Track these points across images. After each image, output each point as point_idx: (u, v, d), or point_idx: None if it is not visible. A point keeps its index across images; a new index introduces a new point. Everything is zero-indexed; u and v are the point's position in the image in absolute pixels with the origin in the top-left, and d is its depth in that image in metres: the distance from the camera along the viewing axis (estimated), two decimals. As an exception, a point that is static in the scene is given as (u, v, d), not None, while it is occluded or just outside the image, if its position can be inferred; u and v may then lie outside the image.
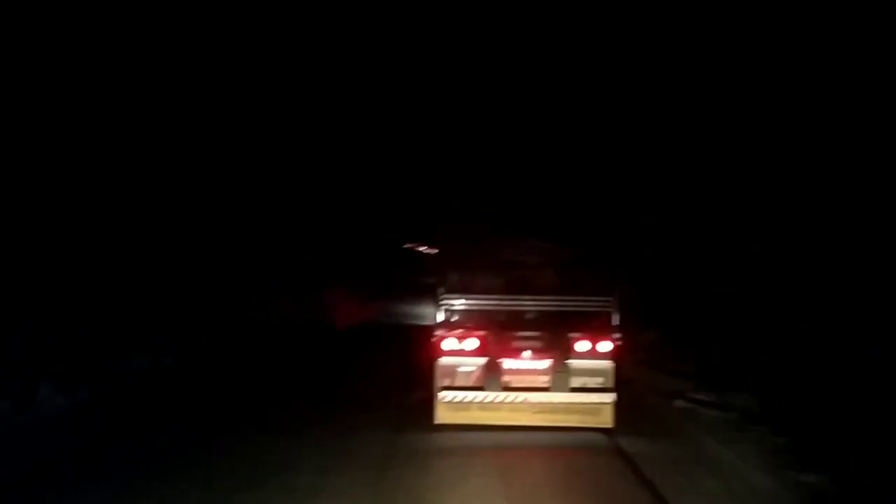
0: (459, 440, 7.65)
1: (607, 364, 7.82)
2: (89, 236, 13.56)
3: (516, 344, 7.90)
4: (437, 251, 8.91)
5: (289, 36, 17.85)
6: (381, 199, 31.21)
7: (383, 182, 29.53)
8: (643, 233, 12.37)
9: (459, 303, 7.99)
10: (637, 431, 7.97)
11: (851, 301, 10.89)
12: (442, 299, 7.97)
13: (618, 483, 6.49)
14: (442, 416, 7.84)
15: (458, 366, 7.87)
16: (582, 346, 7.82)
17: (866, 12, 11.53)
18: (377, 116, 23.18)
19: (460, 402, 7.79)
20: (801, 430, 7.75)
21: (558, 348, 7.84)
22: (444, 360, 7.87)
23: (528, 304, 7.98)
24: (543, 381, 7.85)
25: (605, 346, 7.81)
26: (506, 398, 7.81)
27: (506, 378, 7.86)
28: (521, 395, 7.81)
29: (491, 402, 7.79)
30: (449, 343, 7.86)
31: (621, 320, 7.83)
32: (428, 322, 8.37)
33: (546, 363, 7.84)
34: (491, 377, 7.83)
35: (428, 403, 7.95)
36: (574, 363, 7.81)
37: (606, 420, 7.79)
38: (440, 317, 7.96)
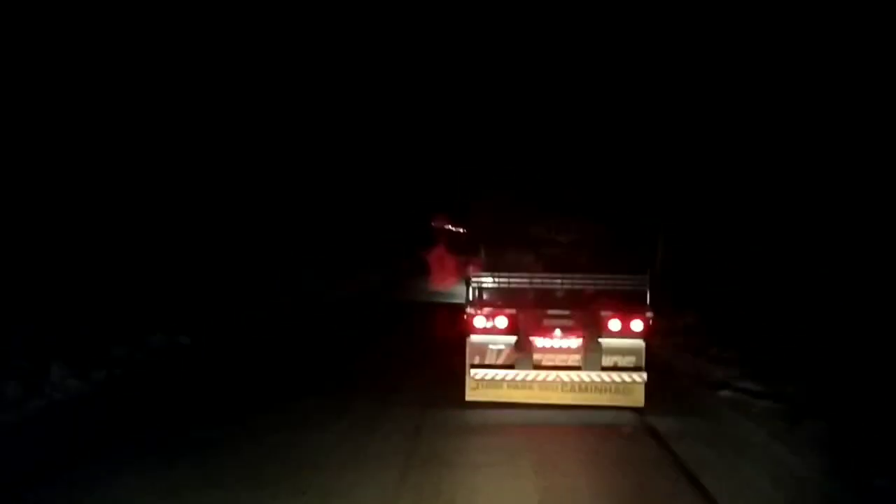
0: (490, 417, 7.67)
1: (639, 343, 7.76)
2: (115, 220, 13.71)
3: (547, 322, 7.86)
4: (467, 229, 8.88)
5: (321, 20, 17.98)
6: (409, 178, 31.30)
7: (412, 160, 29.61)
8: (678, 214, 12.27)
9: (490, 281, 7.97)
10: (688, 432, 7.28)
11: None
12: (472, 277, 7.96)
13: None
14: (473, 393, 7.87)
15: (489, 344, 7.86)
16: (614, 324, 7.75)
17: (866, 12, 11.35)
18: (409, 95, 23.18)
19: (491, 379, 7.81)
20: (862, 425, 7.09)
21: (590, 327, 7.79)
22: (474, 338, 7.88)
23: (560, 283, 7.92)
24: (574, 359, 7.81)
25: (638, 324, 7.74)
26: (536, 376, 7.80)
27: (536, 356, 7.84)
28: (552, 374, 7.79)
29: (522, 381, 7.80)
30: (480, 321, 7.86)
31: (655, 300, 7.74)
32: (458, 300, 8.37)
33: (577, 342, 7.80)
34: (522, 355, 7.82)
35: (459, 380, 7.98)
36: (606, 342, 7.76)
37: (638, 399, 7.75)
38: (471, 294, 7.95)
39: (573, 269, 7.87)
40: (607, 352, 7.76)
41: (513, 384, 7.82)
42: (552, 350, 7.85)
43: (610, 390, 7.76)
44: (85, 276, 12.57)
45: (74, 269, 12.58)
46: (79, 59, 13.06)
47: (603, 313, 7.77)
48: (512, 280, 7.97)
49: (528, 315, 7.86)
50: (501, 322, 7.86)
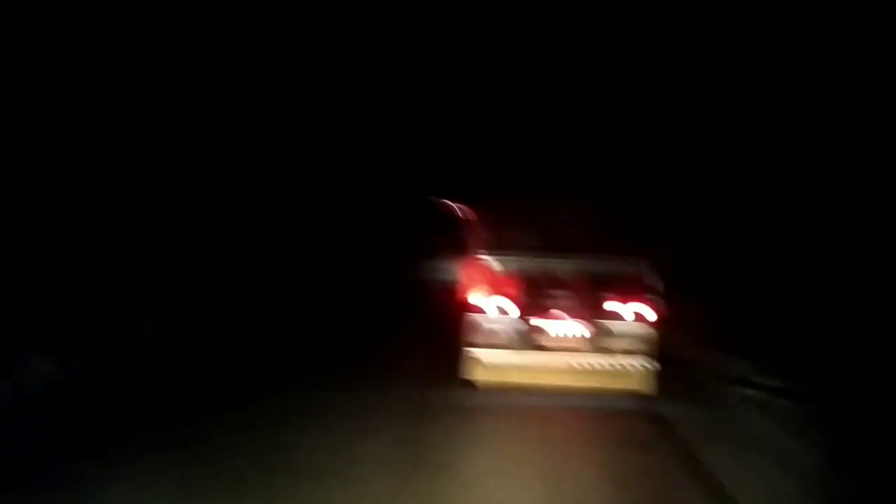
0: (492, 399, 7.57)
1: (645, 327, 7.61)
2: (104, 199, 13.22)
3: (550, 304, 7.70)
4: (471, 207, 8.69)
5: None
6: (413, 154, 31.04)
7: (416, 136, 29.35)
8: (690, 200, 12.05)
9: (493, 260, 7.79)
10: (710, 434, 6.81)
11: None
12: (477, 256, 7.78)
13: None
14: (472, 373, 7.72)
15: (491, 324, 7.70)
16: (619, 308, 7.60)
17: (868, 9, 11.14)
18: (415, 75, 22.91)
19: (492, 360, 7.65)
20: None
21: (594, 309, 7.63)
22: (475, 318, 7.71)
23: (565, 264, 7.75)
24: (578, 342, 7.66)
25: (644, 309, 7.59)
26: (539, 358, 7.65)
27: (539, 337, 7.69)
28: (555, 356, 7.64)
29: (524, 363, 7.65)
30: (481, 301, 7.69)
31: (665, 285, 7.58)
32: (462, 279, 8.21)
33: (581, 324, 7.65)
34: (524, 336, 7.66)
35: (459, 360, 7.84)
36: (610, 325, 7.62)
37: (642, 384, 7.61)
38: (473, 274, 7.78)
39: (579, 251, 7.70)
40: (611, 335, 7.61)
41: (514, 366, 7.68)
42: (555, 331, 7.70)
43: (614, 374, 7.62)
44: (71, 257, 11.60)
45: (59, 251, 11.59)
46: (63, 40, 12.72)
47: (609, 296, 7.61)
48: (516, 260, 7.79)
49: (531, 296, 7.69)
50: (503, 302, 7.70)
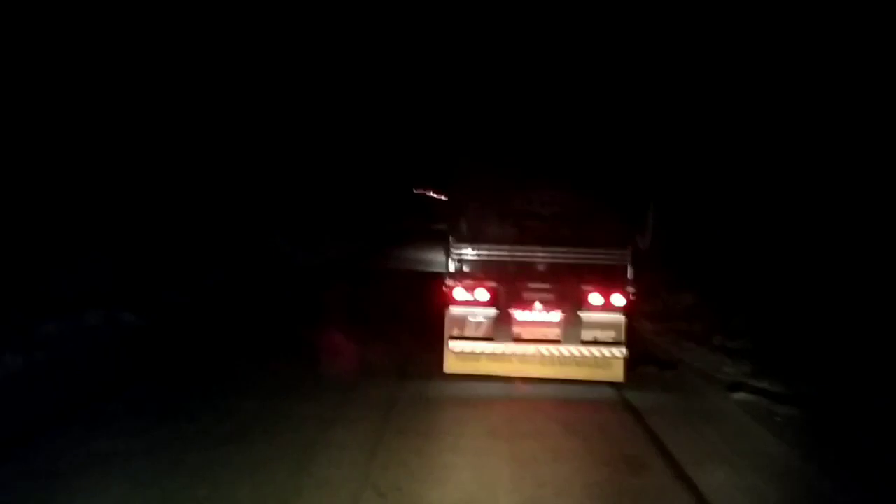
0: (469, 390, 7.65)
1: (620, 317, 7.74)
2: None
3: (528, 295, 7.80)
4: (448, 198, 8.70)
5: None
6: (391, 143, 30.95)
7: (394, 124, 29.23)
8: (672, 190, 11.80)
9: (471, 252, 7.86)
10: (708, 454, 6.06)
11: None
12: (453, 248, 7.84)
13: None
14: (451, 365, 7.81)
15: (469, 316, 7.80)
16: (594, 298, 7.72)
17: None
18: (389, 59, 22.78)
19: (470, 352, 7.76)
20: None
21: (570, 301, 7.75)
22: (454, 310, 7.81)
23: (541, 256, 7.84)
24: (554, 333, 7.79)
25: (618, 299, 7.71)
26: (516, 349, 7.77)
27: (516, 329, 7.80)
28: (532, 347, 7.76)
29: (501, 354, 7.76)
30: (459, 293, 7.78)
31: (638, 274, 7.68)
32: (439, 270, 8.24)
33: (557, 315, 7.77)
34: (501, 328, 7.77)
35: (438, 352, 7.92)
36: (586, 316, 7.74)
37: (617, 374, 7.76)
38: (451, 266, 7.85)
39: (555, 242, 7.79)
40: (587, 326, 7.74)
41: (492, 357, 7.79)
42: (532, 323, 7.82)
43: (589, 364, 7.76)
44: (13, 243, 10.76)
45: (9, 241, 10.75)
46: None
47: (584, 287, 7.72)
48: (493, 252, 7.87)
49: (509, 288, 7.79)
50: (481, 294, 7.79)
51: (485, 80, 8.70)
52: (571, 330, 7.73)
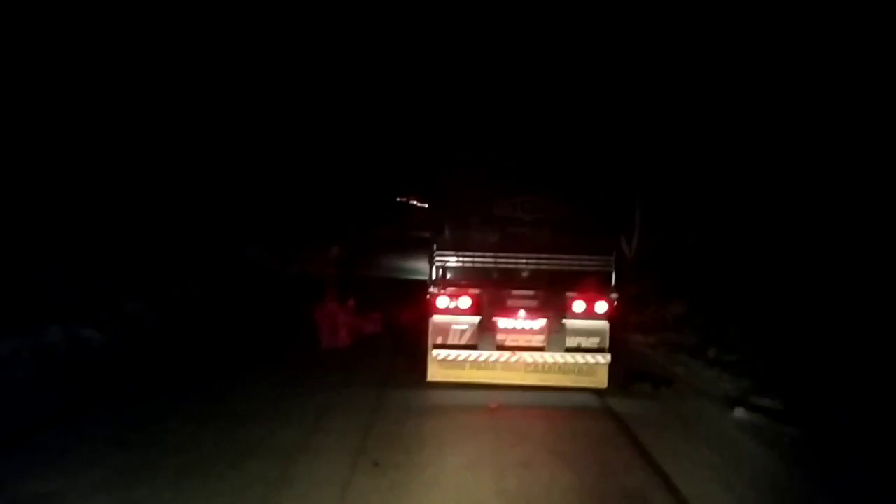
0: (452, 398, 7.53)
1: (603, 324, 7.69)
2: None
3: (511, 303, 7.74)
4: (431, 206, 8.67)
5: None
6: (374, 151, 30.88)
7: (378, 133, 29.18)
8: (659, 198, 11.68)
9: (454, 260, 7.81)
10: (708, 478, 5.73)
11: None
12: (436, 256, 7.80)
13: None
14: (435, 373, 7.75)
15: (452, 324, 7.73)
16: (578, 305, 7.66)
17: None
18: (374, 68, 22.77)
19: (453, 360, 7.68)
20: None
21: (554, 308, 7.69)
22: (437, 318, 7.74)
23: (525, 263, 7.79)
24: (538, 340, 7.73)
25: (602, 306, 7.66)
26: (499, 357, 7.70)
27: (500, 337, 7.74)
28: (515, 355, 7.70)
29: (484, 361, 7.69)
30: (442, 301, 7.72)
31: (621, 281, 7.66)
32: (422, 278, 8.19)
33: (541, 322, 7.71)
34: (485, 336, 7.70)
35: (421, 360, 7.85)
36: (569, 323, 7.69)
37: (601, 381, 7.70)
38: (434, 274, 7.80)
39: (539, 250, 7.74)
40: (571, 333, 7.68)
41: (475, 365, 7.70)
42: (516, 331, 7.75)
43: (573, 371, 7.69)
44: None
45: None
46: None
47: (567, 294, 7.66)
48: (476, 259, 7.82)
49: (492, 295, 7.72)
50: (465, 302, 7.72)
51: (467, 88, 8.69)
52: (556, 337, 7.67)
